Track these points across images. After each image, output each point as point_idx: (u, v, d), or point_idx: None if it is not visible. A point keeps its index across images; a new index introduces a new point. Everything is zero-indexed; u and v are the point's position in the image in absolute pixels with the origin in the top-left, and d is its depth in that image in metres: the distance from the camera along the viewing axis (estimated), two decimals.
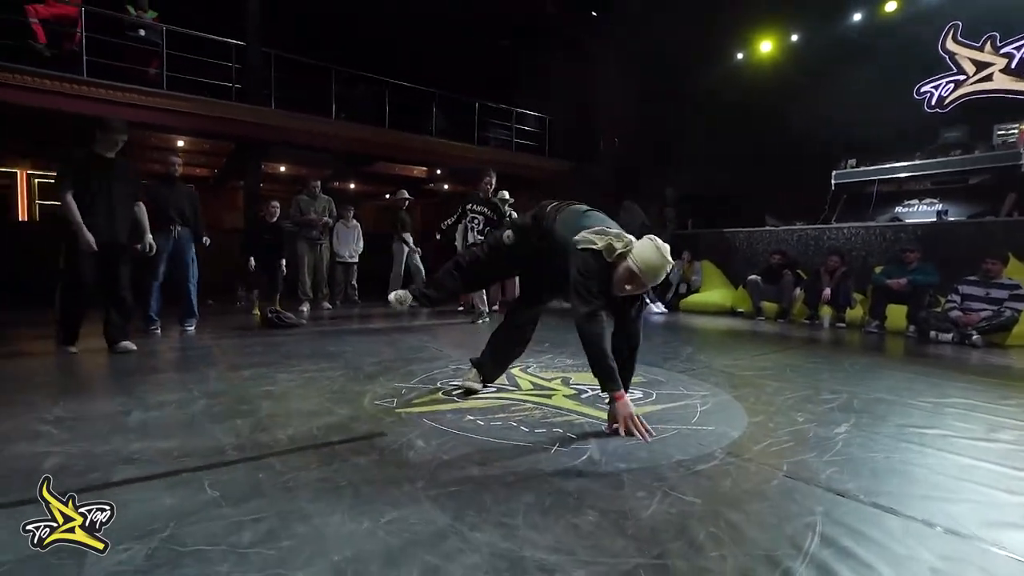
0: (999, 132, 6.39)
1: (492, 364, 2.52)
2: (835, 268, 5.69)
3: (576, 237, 1.93)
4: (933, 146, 6.84)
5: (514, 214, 5.86)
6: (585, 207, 2.19)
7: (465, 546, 1.16)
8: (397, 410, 2.21)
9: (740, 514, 1.32)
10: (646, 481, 1.52)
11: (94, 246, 3.17)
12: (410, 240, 7.02)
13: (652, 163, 9.44)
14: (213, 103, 7.28)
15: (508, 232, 2.30)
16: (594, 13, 10.45)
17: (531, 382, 2.74)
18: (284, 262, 6.03)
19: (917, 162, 6.85)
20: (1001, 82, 6.79)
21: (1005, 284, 4.57)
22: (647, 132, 9.70)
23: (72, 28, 6.38)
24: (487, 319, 5.29)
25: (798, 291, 5.99)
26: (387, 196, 12.10)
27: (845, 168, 7.42)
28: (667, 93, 9.22)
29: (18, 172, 10.04)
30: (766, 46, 8.78)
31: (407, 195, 7.39)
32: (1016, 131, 6.25)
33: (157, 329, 4.19)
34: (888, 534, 1.25)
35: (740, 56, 9.15)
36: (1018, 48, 6.63)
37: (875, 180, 7.20)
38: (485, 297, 5.55)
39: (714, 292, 6.92)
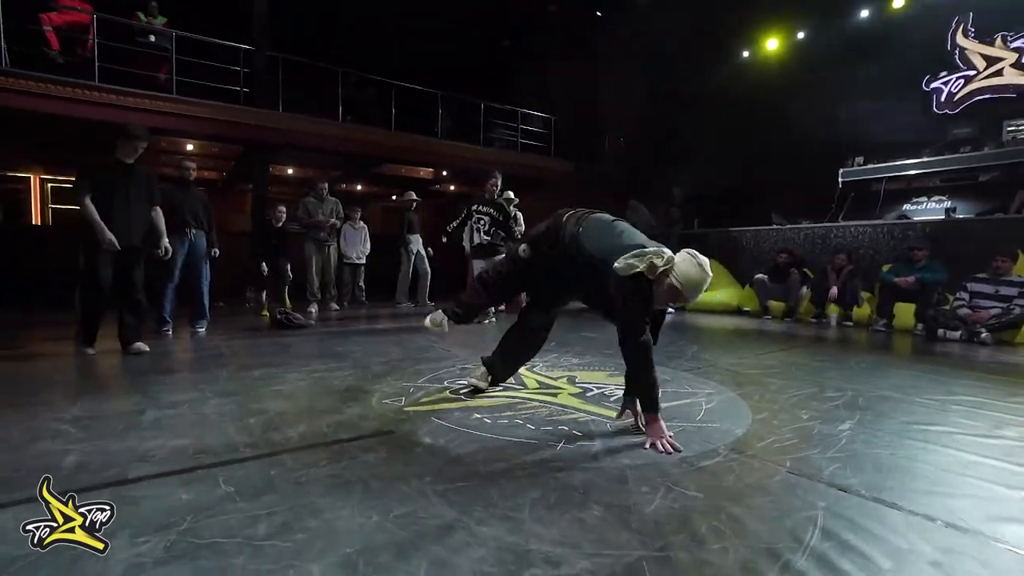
0: (1009, 128, 6.34)
1: (503, 365, 2.54)
2: (842, 266, 5.67)
3: (617, 265, 1.87)
4: (942, 143, 6.80)
5: (519, 215, 5.90)
6: (610, 216, 2.16)
7: (472, 539, 1.19)
8: (405, 408, 2.24)
9: (742, 508, 1.35)
10: (650, 477, 1.54)
11: (116, 244, 3.25)
12: (418, 242, 7.07)
13: (658, 162, 9.43)
14: (222, 107, 7.38)
15: (524, 246, 2.31)
16: (599, 13, 10.46)
17: (537, 381, 2.77)
18: (289, 266, 6.10)
19: (926, 159, 6.81)
20: (1012, 77, 6.73)
21: (1015, 281, 4.54)
22: (653, 131, 9.70)
23: (84, 35, 6.49)
24: (494, 319, 5.32)
25: (805, 290, 5.97)
26: (394, 198, 12.18)
27: (852, 166, 7.39)
28: (673, 92, 9.22)
29: (32, 177, 10.20)
30: (772, 44, 8.75)
31: (415, 196, 7.45)
32: None
33: (169, 330, 4.26)
34: (889, 528, 1.26)
35: (746, 54, 9.13)
36: None
37: (883, 178, 7.17)
38: None
39: (721, 291, 6.92)
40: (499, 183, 5.20)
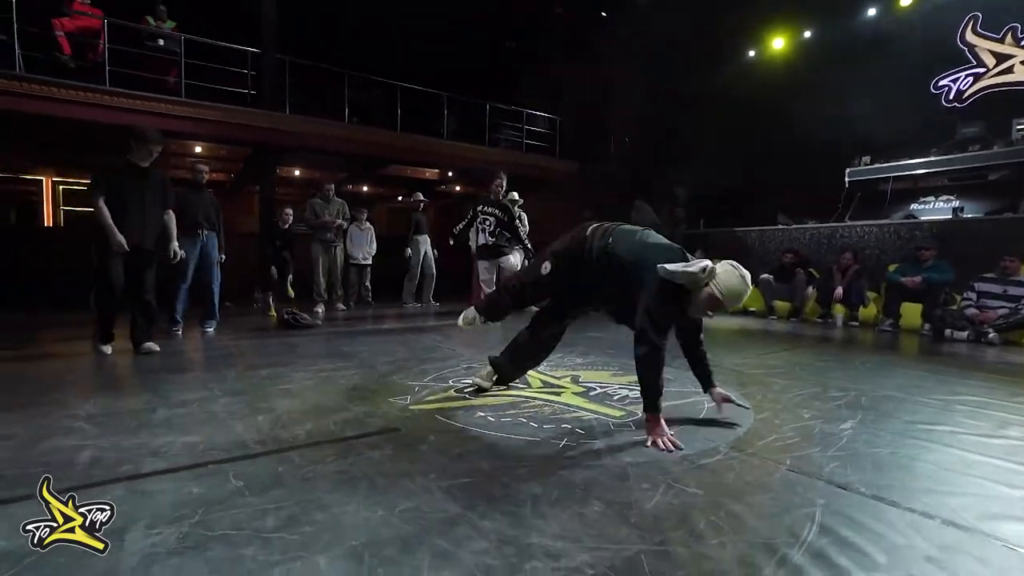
0: (1018, 126, 6.28)
1: (511, 366, 2.56)
2: (848, 266, 5.65)
3: (671, 268, 1.87)
4: (950, 142, 6.75)
5: (524, 215, 5.93)
6: (639, 228, 2.21)
7: (475, 533, 1.21)
8: (411, 407, 2.28)
9: (741, 505, 1.36)
10: (651, 474, 1.56)
11: (126, 246, 3.31)
12: (427, 243, 7.11)
13: (663, 162, 9.43)
14: (230, 109, 7.46)
15: (546, 263, 2.32)
16: (603, 14, 10.47)
17: (541, 380, 2.79)
18: (292, 268, 6.17)
19: (933, 158, 6.76)
20: (1022, 74, 6.68)
21: (1023, 282, 4.51)
22: (657, 131, 9.69)
23: (95, 40, 6.60)
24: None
25: (810, 290, 5.95)
26: (399, 199, 12.25)
27: (859, 165, 7.35)
28: (677, 92, 9.21)
29: (44, 179, 10.36)
30: (778, 43, 8.73)
31: (422, 197, 7.50)
32: None
33: (179, 330, 4.32)
34: (887, 525, 1.28)
35: (752, 54, 9.12)
36: None
37: (890, 177, 7.12)
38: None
39: None
40: (504, 184, 5.24)
